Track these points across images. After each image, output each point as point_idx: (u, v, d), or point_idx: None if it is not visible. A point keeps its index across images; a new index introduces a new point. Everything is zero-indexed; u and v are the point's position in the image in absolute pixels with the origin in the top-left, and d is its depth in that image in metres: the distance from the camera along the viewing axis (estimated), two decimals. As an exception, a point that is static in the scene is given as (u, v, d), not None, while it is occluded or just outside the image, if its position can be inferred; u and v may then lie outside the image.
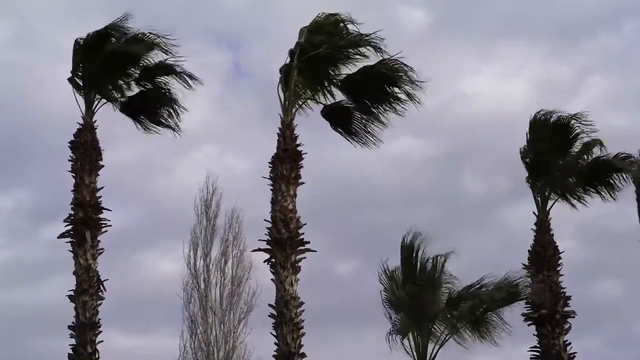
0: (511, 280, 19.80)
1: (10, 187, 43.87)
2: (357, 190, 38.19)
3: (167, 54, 19.57)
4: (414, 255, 20.31)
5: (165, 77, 20.13)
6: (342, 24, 19.14)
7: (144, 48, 19.62)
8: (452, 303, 20.05)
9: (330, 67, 19.28)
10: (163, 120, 20.58)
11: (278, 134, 18.71)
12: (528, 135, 20.61)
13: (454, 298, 20.07)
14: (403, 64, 18.89)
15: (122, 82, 20.06)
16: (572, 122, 20.43)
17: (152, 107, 20.53)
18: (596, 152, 20.58)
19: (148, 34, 19.49)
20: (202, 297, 31.08)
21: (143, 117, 20.62)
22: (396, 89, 19.25)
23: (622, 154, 20.55)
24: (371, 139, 19.91)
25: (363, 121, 19.84)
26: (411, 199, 39.52)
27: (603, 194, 20.72)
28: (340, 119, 19.98)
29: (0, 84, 37.08)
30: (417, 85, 18.89)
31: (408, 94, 19.12)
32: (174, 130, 20.54)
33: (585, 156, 20.69)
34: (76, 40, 19.54)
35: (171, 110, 20.45)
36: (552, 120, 20.50)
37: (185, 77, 19.82)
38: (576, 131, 20.54)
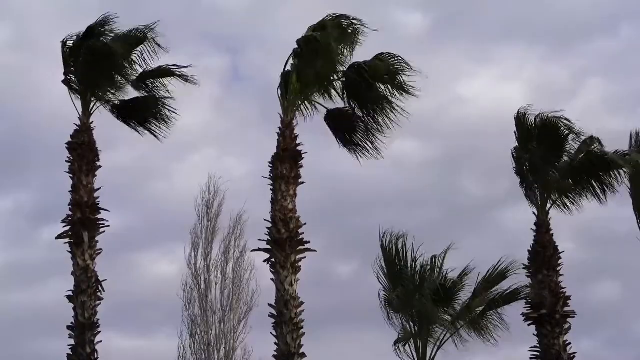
0: (505, 267, 19.54)
1: (9, 189, 43.69)
2: (357, 192, 38.16)
3: (155, 50, 19.52)
4: (399, 257, 19.88)
5: (161, 79, 19.97)
6: (348, 26, 18.84)
7: (128, 45, 19.45)
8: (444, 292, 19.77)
9: (328, 63, 18.97)
10: (151, 126, 20.37)
11: (278, 133, 18.69)
12: (516, 135, 20.42)
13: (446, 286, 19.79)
14: (398, 56, 18.80)
15: (111, 84, 19.88)
16: (559, 123, 20.14)
17: (142, 111, 20.36)
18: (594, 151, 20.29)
19: (134, 31, 19.35)
20: (203, 297, 31.19)
21: (134, 121, 20.45)
22: (394, 82, 19.04)
23: (618, 151, 20.24)
24: (373, 149, 19.81)
25: (366, 129, 19.64)
26: (410, 201, 39.54)
27: (598, 192, 20.39)
28: (342, 128, 19.80)
29: (-1, 86, 37.13)
30: (413, 74, 18.77)
31: (404, 88, 18.95)
32: (159, 135, 20.44)
33: (581, 155, 20.42)
34: (63, 42, 19.46)
35: (161, 115, 20.22)
36: (539, 120, 20.15)
37: (183, 76, 19.80)
38: (565, 132, 20.28)
